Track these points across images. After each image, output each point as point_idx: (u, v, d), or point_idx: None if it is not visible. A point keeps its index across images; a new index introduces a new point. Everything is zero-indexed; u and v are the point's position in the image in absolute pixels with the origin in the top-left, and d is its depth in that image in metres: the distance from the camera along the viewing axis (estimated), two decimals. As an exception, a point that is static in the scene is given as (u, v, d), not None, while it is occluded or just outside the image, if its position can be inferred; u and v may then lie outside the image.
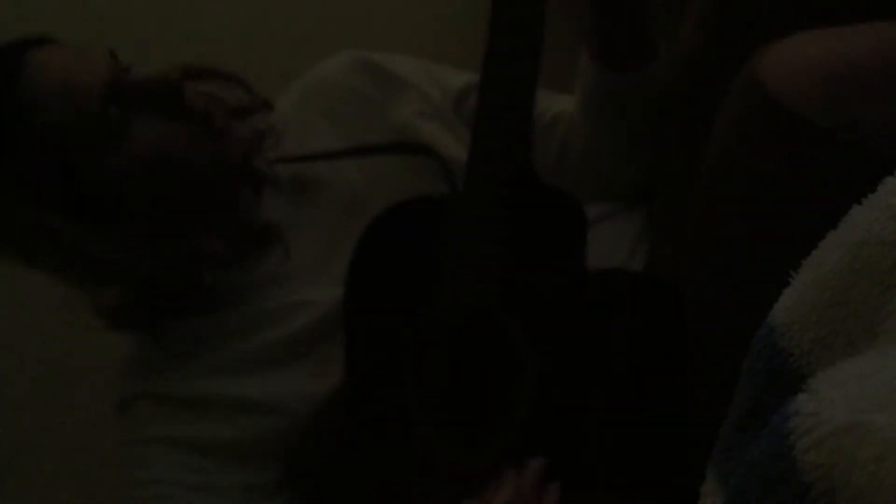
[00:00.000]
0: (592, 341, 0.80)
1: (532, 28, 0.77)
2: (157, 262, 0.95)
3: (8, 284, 1.34)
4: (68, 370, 1.42)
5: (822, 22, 0.64)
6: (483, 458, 0.82)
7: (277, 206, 1.01)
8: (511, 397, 0.82)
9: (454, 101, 1.05)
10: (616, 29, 0.91)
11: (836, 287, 0.46)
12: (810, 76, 0.61)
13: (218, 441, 0.92)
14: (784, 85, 0.61)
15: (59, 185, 0.89)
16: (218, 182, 0.94)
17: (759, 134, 0.62)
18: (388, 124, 1.02)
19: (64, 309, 0.99)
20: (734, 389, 0.51)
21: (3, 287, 1.36)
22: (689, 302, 0.74)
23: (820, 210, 0.48)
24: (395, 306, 0.88)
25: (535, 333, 0.80)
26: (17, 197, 0.89)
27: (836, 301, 0.46)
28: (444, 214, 0.86)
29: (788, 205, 0.60)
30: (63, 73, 0.88)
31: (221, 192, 0.95)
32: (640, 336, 0.79)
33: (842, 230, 0.48)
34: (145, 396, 0.96)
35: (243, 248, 0.98)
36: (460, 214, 0.81)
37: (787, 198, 0.61)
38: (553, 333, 0.81)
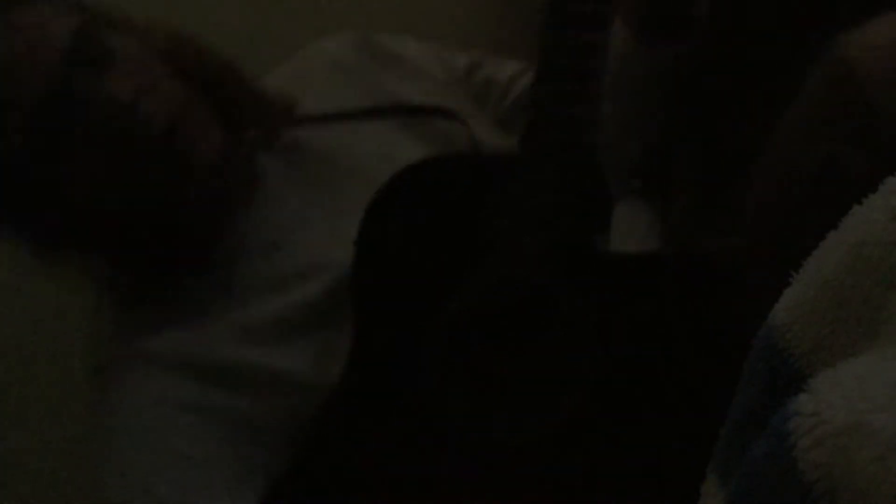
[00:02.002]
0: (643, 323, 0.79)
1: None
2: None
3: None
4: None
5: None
6: (522, 435, 0.80)
7: (276, 170, 0.96)
8: (561, 373, 0.79)
9: (459, 80, 1.02)
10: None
11: (837, 287, 0.46)
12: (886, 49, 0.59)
13: (225, 409, 0.87)
14: (875, 75, 0.60)
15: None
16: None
17: (844, 122, 0.61)
18: (394, 102, 0.99)
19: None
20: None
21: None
22: (743, 291, 0.73)
23: None
24: (411, 276, 0.84)
25: (588, 308, 0.79)
26: None
27: (837, 301, 0.46)
28: (460, 176, 0.84)
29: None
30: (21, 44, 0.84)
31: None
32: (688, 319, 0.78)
33: (843, 230, 0.48)
34: (142, 357, 0.89)
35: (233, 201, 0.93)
36: (517, 185, 0.79)
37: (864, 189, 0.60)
38: (606, 310, 0.79)
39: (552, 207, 0.78)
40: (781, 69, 0.76)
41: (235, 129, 0.95)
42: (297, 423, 0.87)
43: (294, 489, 0.87)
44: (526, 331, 0.82)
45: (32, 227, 0.91)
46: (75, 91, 0.84)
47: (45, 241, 0.92)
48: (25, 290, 1.25)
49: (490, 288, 0.81)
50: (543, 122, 0.79)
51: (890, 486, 0.36)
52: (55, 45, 0.84)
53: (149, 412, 0.88)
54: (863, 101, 0.60)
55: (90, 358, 0.94)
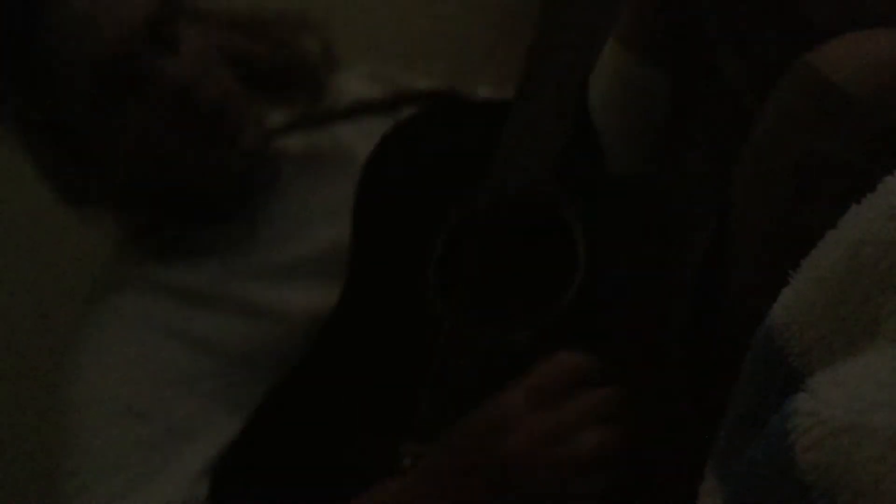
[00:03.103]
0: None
1: None
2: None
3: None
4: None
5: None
6: (524, 332, 0.79)
7: (298, 154, 1.01)
8: (559, 277, 0.80)
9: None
10: (659, 17, 0.89)
11: (835, 286, 0.46)
12: (869, 58, 0.61)
13: (216, 338, 0.90)
14: (841, 67, 0.61)
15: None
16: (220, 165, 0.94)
17: (810, 115, 0.62)
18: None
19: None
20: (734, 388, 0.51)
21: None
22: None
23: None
24: (408, 217, 0.87)
25: (583, 217, 0.81)
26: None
27: (835, 300, 0.46)
28: (450, 122, 0.89)
29: (845, 186, 0.60)
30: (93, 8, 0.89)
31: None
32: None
33: (841, 229, 0.48)
34: (139, 282, 0.93)
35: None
36: (524, 106, 0.82)
37: (844, 180, 0.60)
38: (597, 220, 0.81)
39: (545, 138, 0.82)
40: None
41: (285, 93, 1.03)
42: (286, 356, 0.89)
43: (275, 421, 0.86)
44: (522, 241, 0.84)
45: (73, 178, 0.96)
46: (143, 62, 0.90)
47: (81, 195, 0.97)
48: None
49: (492, 197, 0.83)
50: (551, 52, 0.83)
51: (890, 486, 0.36)
52: (135, 15, 0.90)
53: (136, 333, 0.90)
54: (834, 94, 0.61)
55: (99, 282, 0.96)
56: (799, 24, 0.67)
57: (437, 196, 0.86)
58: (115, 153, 0.93)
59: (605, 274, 0.79)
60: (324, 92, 1.04)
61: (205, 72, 0.92)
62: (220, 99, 0.92)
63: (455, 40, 1.42)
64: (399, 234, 0.88)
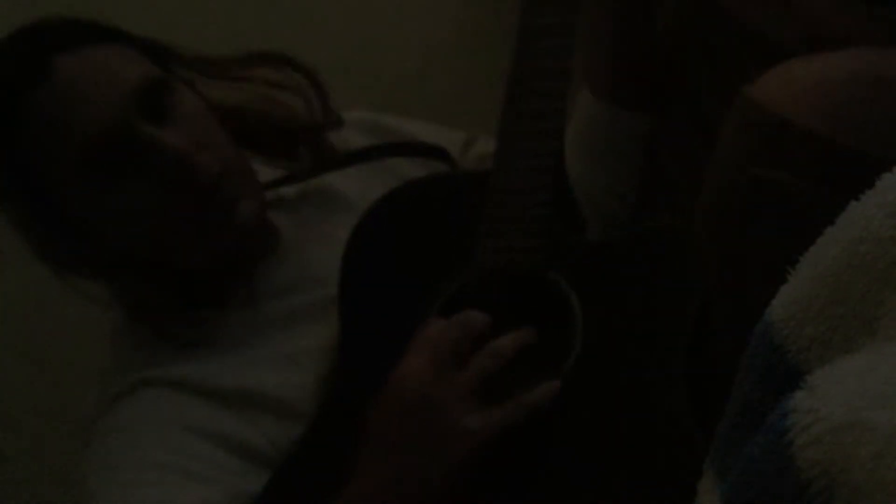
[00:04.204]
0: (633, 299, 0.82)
1: None
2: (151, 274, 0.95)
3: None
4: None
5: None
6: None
7: (294, 214, 1.01)
8: (556, 350, 0.81)
9: (460, 151, 1.09)
10: (633, 63, 0.89)
11: (834, 284, 0.46)
12: (801, 85, 0.62)
13: (226, 435, 0.89)
14: (776, 96, 0.62)
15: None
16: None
17: (757, 146, 0.63)
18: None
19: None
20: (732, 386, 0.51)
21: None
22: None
23: (824, 213, 0.48)
24: (396, 286, 0.88)
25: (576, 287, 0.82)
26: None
27: (834, 298, 0.46)
28: (442, 194, 0.90)
29: (791, 210, 0.61)
30: (86, 91, 0.87)
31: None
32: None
33: (839, 226, 0.48)
34: (155, 382, 0.91)
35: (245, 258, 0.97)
36: (501, 178, 0.83)
37: (791, 204, 0.62)
38: (594, 288, 0.82)
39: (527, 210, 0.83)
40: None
41: (287, 148, 1.02)
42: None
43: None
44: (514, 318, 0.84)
45: (66, 256, 0.94)
46: (135, 135, 0.87)
47: (76, 270, 0.95)
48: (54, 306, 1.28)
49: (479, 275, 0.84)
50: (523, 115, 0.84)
51: (888, 484, 0.37)
52: (123, 89, 0.87)
53: (152, 430, 0.89)
54: (771, 122, 0.62)
55: (111, 384, 0.96)
56: (776, 54, 0.68)
57: (426, 268, 0.87)
58: (109, 228, 0.92)
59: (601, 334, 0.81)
60: (323, 149, 1.03)
61: (202, 138, 0.90)
62: (219, 170, 0.89)
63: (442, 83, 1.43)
64: (387, 306, 0.88)
